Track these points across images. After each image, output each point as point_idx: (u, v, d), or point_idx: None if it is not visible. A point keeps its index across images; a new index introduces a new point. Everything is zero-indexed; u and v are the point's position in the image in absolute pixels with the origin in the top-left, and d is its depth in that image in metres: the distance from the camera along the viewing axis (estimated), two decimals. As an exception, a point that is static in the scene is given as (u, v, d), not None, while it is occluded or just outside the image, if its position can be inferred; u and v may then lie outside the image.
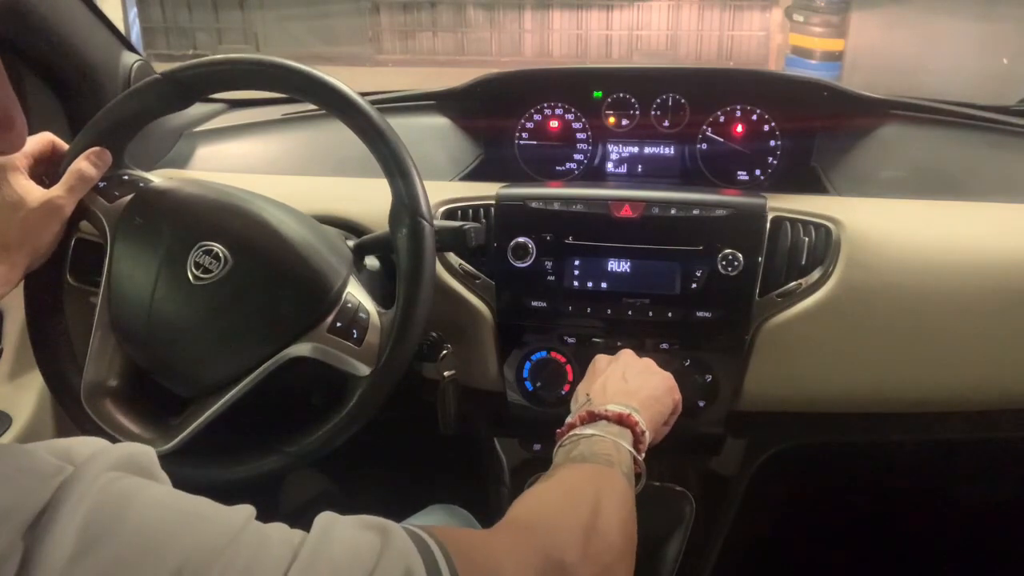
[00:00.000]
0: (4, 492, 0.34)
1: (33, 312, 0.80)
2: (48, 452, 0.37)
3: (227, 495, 0.75)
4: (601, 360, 0.83)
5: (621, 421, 0.70)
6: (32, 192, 0.75)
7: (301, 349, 0.73)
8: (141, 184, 0.81)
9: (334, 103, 0.77)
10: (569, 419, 0.73)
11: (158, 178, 0.84)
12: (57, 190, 0.76)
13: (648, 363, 0.83)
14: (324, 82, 0.77)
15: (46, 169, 0.79)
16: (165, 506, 0.37)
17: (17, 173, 0.74)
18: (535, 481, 0.65)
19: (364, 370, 0.75)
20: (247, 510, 0.41)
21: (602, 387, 0.77)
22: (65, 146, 0.80)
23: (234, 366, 0.74)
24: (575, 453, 0.67)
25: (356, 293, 0.77)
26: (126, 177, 0.81)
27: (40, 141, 0.79)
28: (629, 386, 0.76)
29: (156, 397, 0.79)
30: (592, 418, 0.71)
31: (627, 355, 0.84)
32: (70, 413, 0.78)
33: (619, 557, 0.57)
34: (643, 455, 0.70)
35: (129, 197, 0.80)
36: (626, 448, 0.68)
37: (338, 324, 0.74)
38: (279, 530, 0.40)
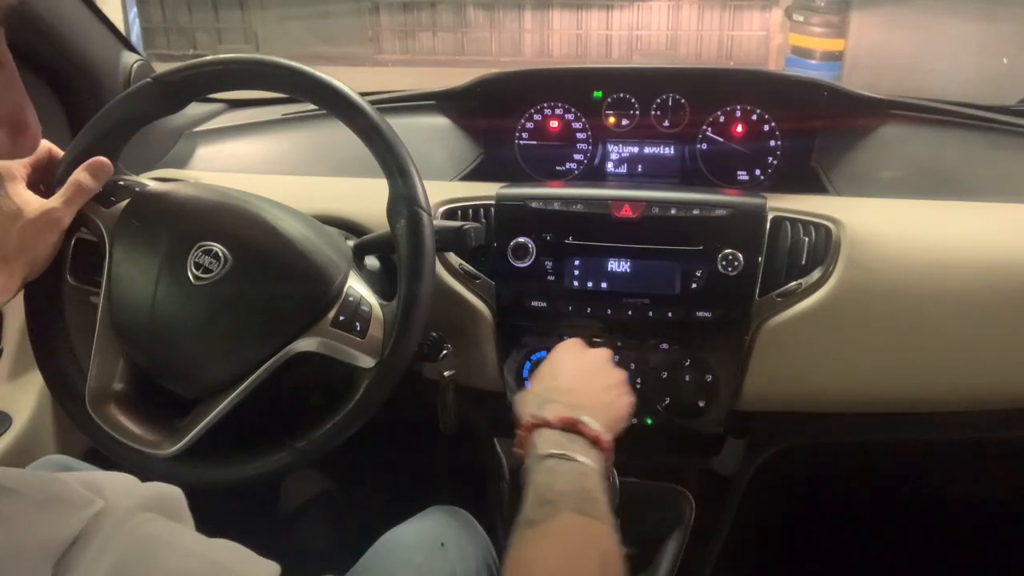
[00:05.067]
0: (37, 520, 0.34)
1: (33, 316, 0.80)
2: (81, 484, 0.38)
3: (234, 494, 0.75)
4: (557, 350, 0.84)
5: (598, 443, 0.68)
6: (31, 203, 0.74)
7: (306, 344, 0.73)
8: (137, 188, 0.81)
9: (330, 101, 0.77)
10: (541, 412, 0.70)
11: (153, 182, 0.83)
12: (55, 201, 0.75)
13: (597, 362, 0.81)
14: (319, 80, 0.77)
15: (43, 177, 0.78)
16: (195, 555, 0.38)
17: (16, 183, 0.74)
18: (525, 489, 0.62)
19: (369, 362, 0.75)
20: (272, 568, 0.41)
21: (565, 386, 0.75)
22: (61, 153, 0.80)
23: (238, 365, 0.73)
24: (560, 485, 0.63)
25: (357, 287, 0.77)
26: (121, 182, 0.81)
27: (37, 149, 0.78)
28: (599, 399, 0.75)
29: (161, 399, 0.79)
30: (570, 426, 0.68)
31: (595, 355, 0.83)
32: (75, 418, 0.78)
33: None
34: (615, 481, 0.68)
35: (126, 202, 0.79)
36: (603, 486, 0.65)
37: (341, 318, 0.74)
38: None
